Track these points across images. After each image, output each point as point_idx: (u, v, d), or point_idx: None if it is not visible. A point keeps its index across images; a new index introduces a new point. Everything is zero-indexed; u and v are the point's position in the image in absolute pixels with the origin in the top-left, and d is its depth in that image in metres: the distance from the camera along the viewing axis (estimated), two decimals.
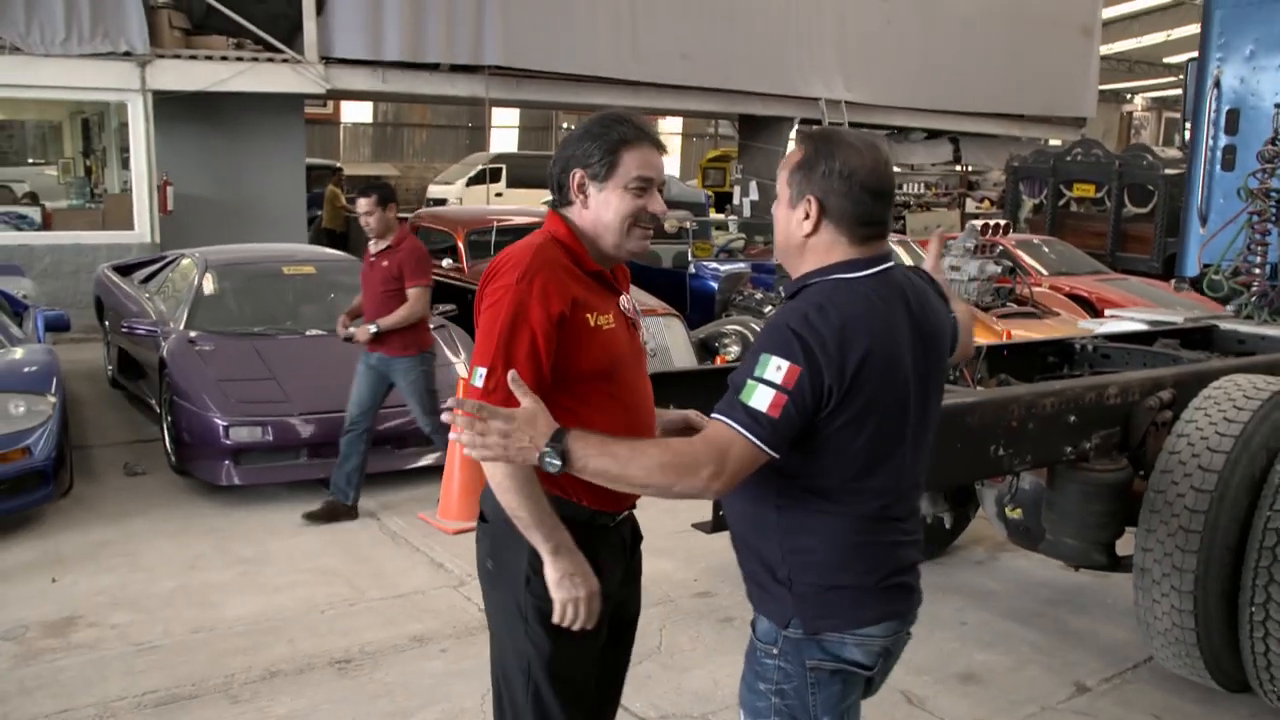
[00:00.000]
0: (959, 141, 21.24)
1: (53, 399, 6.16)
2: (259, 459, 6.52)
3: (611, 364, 2.49)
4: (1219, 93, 7.30)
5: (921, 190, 23.60)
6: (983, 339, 9.11)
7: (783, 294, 2.49)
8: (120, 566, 5.50)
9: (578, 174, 2.47)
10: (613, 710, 2.80)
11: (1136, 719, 4.23)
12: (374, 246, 6.33)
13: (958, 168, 23.36)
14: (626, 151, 2.45)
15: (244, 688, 4.26)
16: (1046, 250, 13.59)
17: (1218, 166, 7.32)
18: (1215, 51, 7.36)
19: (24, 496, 5.91)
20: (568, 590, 2.36)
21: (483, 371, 2.35)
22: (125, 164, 12.86)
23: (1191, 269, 7.43)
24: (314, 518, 6.20)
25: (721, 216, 17.52)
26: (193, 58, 12.44)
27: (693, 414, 2.72)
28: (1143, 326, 6.83)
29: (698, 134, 33.63)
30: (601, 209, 2.48)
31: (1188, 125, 7.85)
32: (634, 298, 2.68)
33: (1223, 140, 7.30)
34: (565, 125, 32.68)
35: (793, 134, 18.60)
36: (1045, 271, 12.89)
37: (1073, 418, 4.16)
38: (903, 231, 17.78)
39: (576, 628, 2.39)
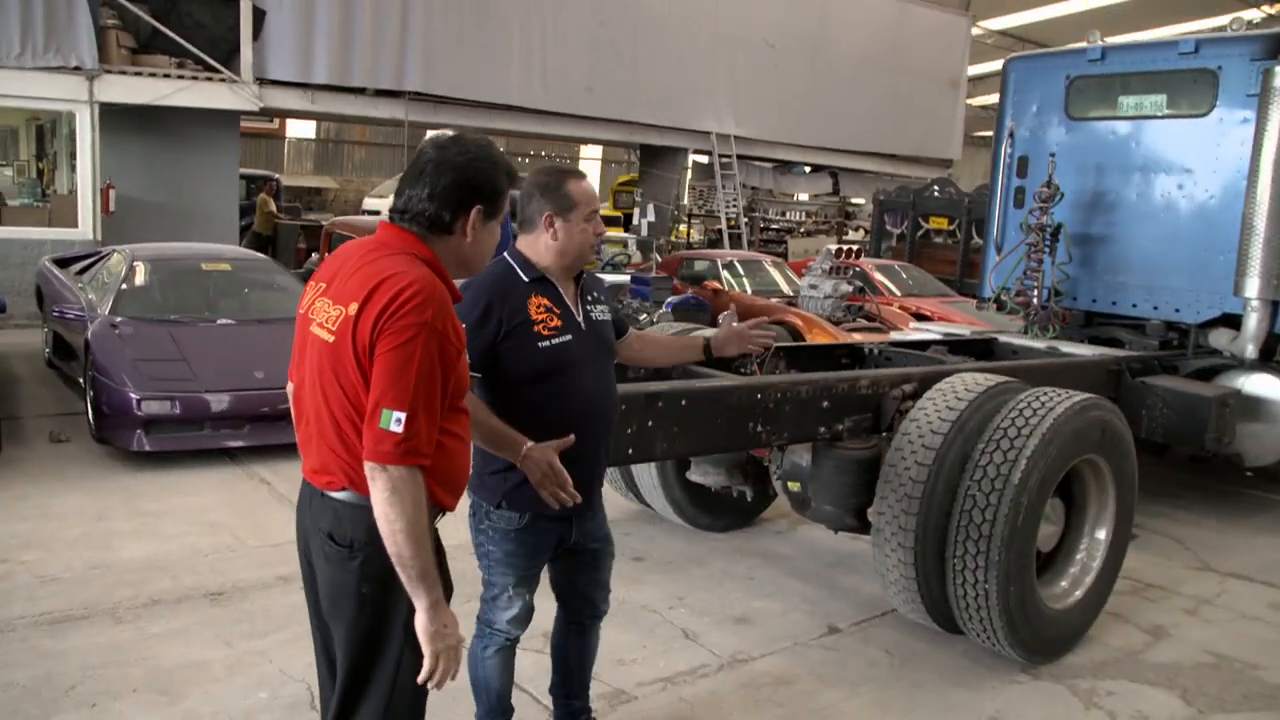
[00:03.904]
0: (838, 176, 21.92)
1: None
2: (168, 429, 6.82)
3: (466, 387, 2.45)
4: (1013, 141, 7.93)
5: (803, 218, 24.27)
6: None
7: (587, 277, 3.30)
8: (35, 516, 5.79)
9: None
10: None
11: (871, 652, 4.73)
12: None
13: (836, 199, 24.11)
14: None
15: (128, 612, 4.62)
16: (904, 275, 14.14)
17: (1011, 204, 7.93)
18: (1010, 107, 7.98)
19: None
20: (443, 640, 2.22)
21: (401, 416, 2.12)
22: (74, 168, 13.03)
23: (988, 291, 8.02)
24: None
25: (624, 235, 18.00)
26: (138, 74, 12.66)
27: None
28: (936, 336, 7.44)
29: (615, 160, 34.07)
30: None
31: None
32: None
33: (1015, 182, 7.90)
34: (524, 159, 32.11)
35: (688, 163, 19.16)
36: (898, 293, 13.46)
37: (826, 403, 4.66)
38: (785, 256, 18.41)
39: (445, 678, 2.26)
